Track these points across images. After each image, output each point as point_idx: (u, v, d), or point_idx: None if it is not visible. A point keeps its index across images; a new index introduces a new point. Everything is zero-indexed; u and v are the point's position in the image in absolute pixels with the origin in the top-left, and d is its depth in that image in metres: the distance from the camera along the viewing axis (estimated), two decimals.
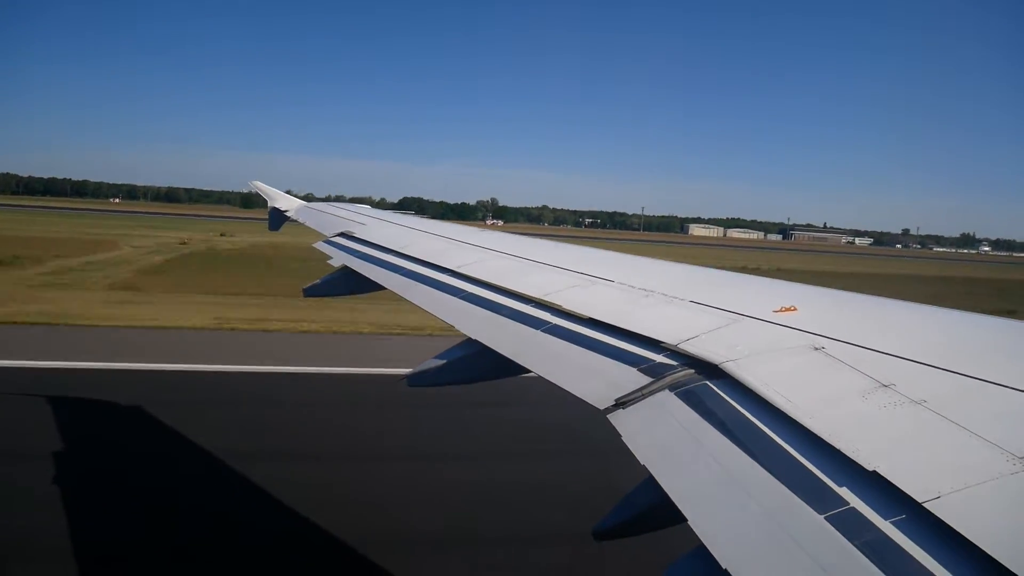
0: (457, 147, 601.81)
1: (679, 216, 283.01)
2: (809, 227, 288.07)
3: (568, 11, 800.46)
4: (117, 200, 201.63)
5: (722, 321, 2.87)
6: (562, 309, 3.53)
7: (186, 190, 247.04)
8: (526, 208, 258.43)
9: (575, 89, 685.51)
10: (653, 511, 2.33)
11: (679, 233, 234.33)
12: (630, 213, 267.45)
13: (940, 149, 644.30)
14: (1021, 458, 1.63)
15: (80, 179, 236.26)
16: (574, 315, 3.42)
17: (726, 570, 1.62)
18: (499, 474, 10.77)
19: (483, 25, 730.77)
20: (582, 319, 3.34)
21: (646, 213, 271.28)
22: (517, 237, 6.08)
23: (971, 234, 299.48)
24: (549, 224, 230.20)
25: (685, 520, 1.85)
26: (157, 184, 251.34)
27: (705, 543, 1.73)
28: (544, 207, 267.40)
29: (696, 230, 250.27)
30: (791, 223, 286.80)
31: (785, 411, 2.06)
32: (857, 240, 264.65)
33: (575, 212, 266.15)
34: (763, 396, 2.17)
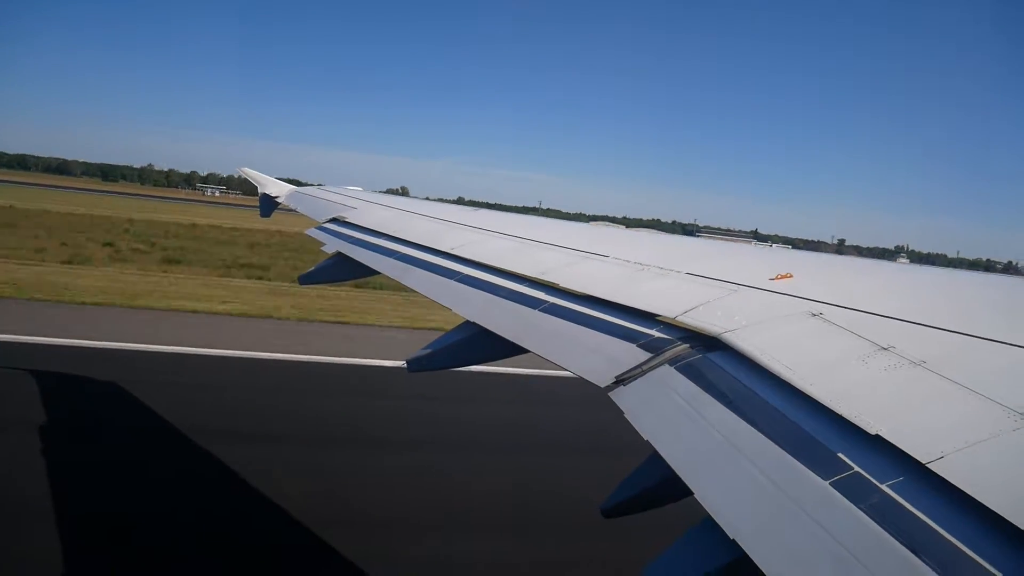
0: (363, 134, 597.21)
1: (585, 213, 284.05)
2: (728, 231, 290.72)
3: (499, 8, 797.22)
4: None
5: (718, 292, 2.86)
6: (559, 287, 3.51)
7: (84, 164, 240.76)
8: (441, 199, 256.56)
9: (488, 81, 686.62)
10: (660, 486, 2.39)
11: None
12: (530, 207, 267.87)
13: (872, 160, 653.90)
14: (1022, 413, 1.62)
15: None
16: (571, 293, 3.39)
17: (733, 540, 1.63)
18: None
19: (395, 17, 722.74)
20: (579, 297, 3.32)
21: (544, 206, 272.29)
22: (510, 216, 6.22)
23: (904, 246, 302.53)
24: None
25: (692, 494, 1.85)
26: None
27: (712, 514, 1.73)
28: (460, 199, 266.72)
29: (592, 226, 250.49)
30: (696, 224, 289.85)
31: (786, 379, 2.06)
32: (774, 246, 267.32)
33: (483, 205, 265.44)
34: (763, 365, 2.16)
